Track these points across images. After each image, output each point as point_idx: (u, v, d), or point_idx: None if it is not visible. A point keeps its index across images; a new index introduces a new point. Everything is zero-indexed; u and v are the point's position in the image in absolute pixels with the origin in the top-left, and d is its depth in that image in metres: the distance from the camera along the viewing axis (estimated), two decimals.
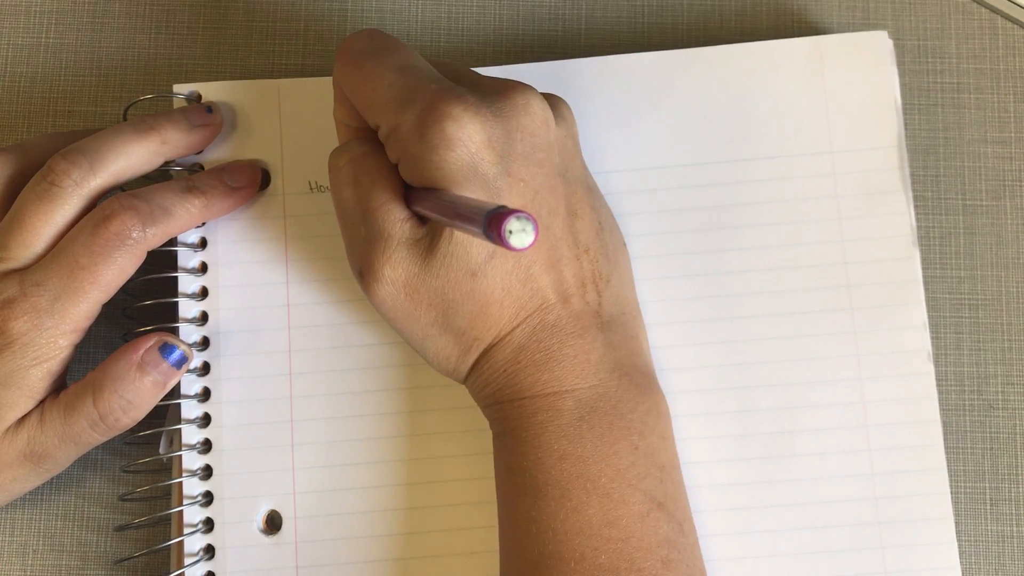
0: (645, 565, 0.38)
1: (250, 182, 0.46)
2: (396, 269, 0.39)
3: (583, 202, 0.41)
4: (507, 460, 0.40)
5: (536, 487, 0.39)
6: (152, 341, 0.43)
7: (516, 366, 0.40)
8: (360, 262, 0.40)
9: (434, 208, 0.37)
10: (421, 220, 0.40)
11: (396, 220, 0.39)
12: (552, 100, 0.42)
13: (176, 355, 0.43)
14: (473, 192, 0.38)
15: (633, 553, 0.38)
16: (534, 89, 0.40)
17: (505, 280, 0.39)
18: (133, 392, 0.42)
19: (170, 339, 0.43)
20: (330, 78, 0.47)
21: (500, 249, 0.38)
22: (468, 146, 0.38)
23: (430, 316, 0.40)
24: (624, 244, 0.44)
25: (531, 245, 0.30)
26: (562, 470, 0.39)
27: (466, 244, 0.38)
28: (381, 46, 0.41)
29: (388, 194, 0.40)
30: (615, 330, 0.41)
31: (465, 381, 0.42)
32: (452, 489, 0.45)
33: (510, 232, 0.30)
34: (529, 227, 0.30)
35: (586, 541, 0.38)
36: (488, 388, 0.41)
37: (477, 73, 0.42)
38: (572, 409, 0.39)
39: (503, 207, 0.31)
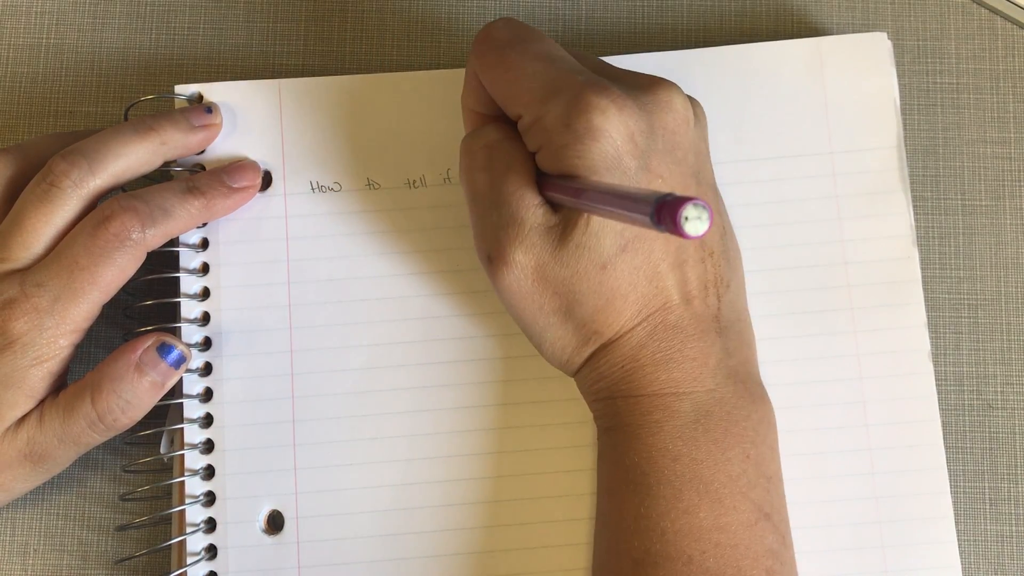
0: (751, 574, 0.38)
1: (251, 182, 0.46)
2: (527, 255, 0.39)
3: (711, 205, 0.41)
4: (617, 455, 0.40)
5: (647, 485, 0.39)
6: (150, 341, 0.43)
7: (635, 363, 0.40)
8: (490, 247, 0.40)
9: (578, 194, 0.37)
10: (554, 208, 0.40)
11: (530, 206, 0.39)
12: (691, 101, 0.41)
13: (174, 355, 0.43)
14: None
15: (740, 560, 0.38)
16: (678, 87, 0.40)
17: (633, 276, 0.39)
18: (131, 392, 0.42)
19: (168, 339, 0.43)
20: (331, 78, 0.47)
21: (632, 244, 0.39)
22: (614, 138, 0.38)
23: (554, 305, 0.40)
24: (740, 251, 0.44)
25: (705, 233, 0.30)
26: (675, 471, 0.39)
27: (599, 235, 0.38)
28: (522, 35, 0.41)
29: (523, 179, 0.40)
30: (731, 336, 0.41)
31: (576, 373, 0.42)
32: (452, 489, 0.45)
33: (686, 219, 0.30)
34: (705, 215, 0.30)
35: (694, 544, 0.38)
36: (602, 382, 0.41)
37: (615, 66, 0.42)
38: (688, 411, 0.39)
39: (671, 194, 0.30)
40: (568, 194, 0.38)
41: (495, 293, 0.41)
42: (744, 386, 0.41)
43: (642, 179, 0.38)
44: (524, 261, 0.39)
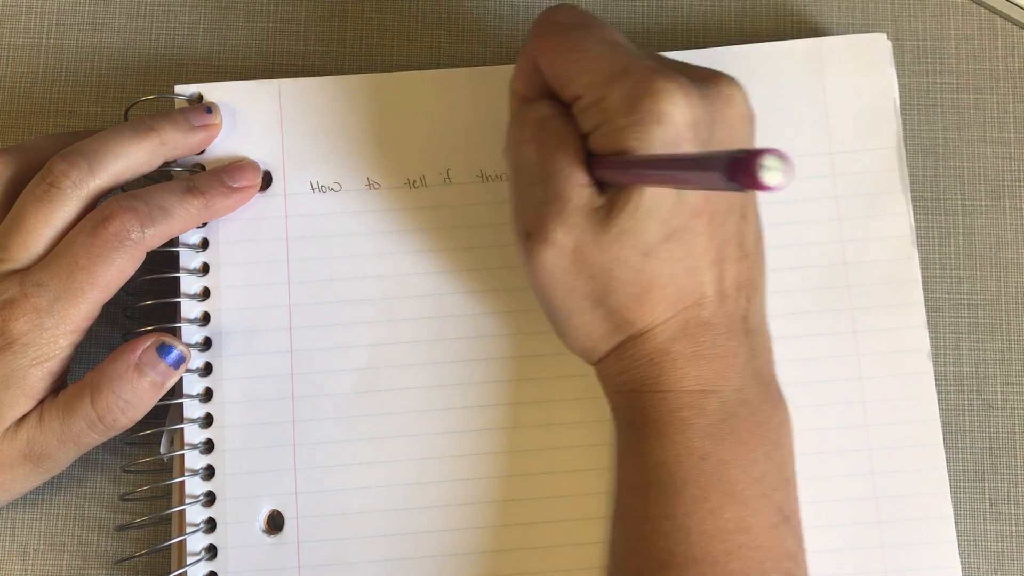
0: None
1: (251, 182, 0.46)
2: (568, 234, 0.38)
3: (752, 206, 0.41)
4: (641, 453, 0.40)
5: (673, 484, 0.39)
6: (150, 341, 0.43)
7: (664, 357, 0.39)
8: (530, 223, 0.39)
9: (635, 166, 0.36)
10: (600, 190, 0.39)
11: (576, 184, 0.39)
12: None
13: (174, 355, 0.43)
14: None
15: (763, 563, 0.38)
16: (740, 83, 0.40)
17: (673, 267, 0.38)
18: (131, 392, 0.42)
19: (168, 339, 0.43)
20: (331, 78, 0.47)
21: (676, 234, 0.38)
22: (677, 124, 0.37)
23: (587, 288, 0.39)
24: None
25: (784, 186, 0.28)
26: (703, 470, 0.39)
27: (645, 221, 0.38)
28: (585, 20, 0.41)
29: (572, 157, 0.39)
30: (756, 339, 0.41)
31: (599, 362, 0.41)
32: (453, 489, 0.45)
33: (765, 167, 0.27)
34: (783, 166, 0.27)
35: (719, 545, 0.38)
36: (627, 374, 0.40)
37: (673, 59, 0.42)
38: (716, 410, 0.39)
39: (744, 149, 0.28)
40: (624, 168, 0.37)
41: (524, 269, 0.40)
42: (767, 388, 0.40)
43: None
44: (564, 240, 0.38)
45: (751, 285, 0.40)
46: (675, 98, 0.37)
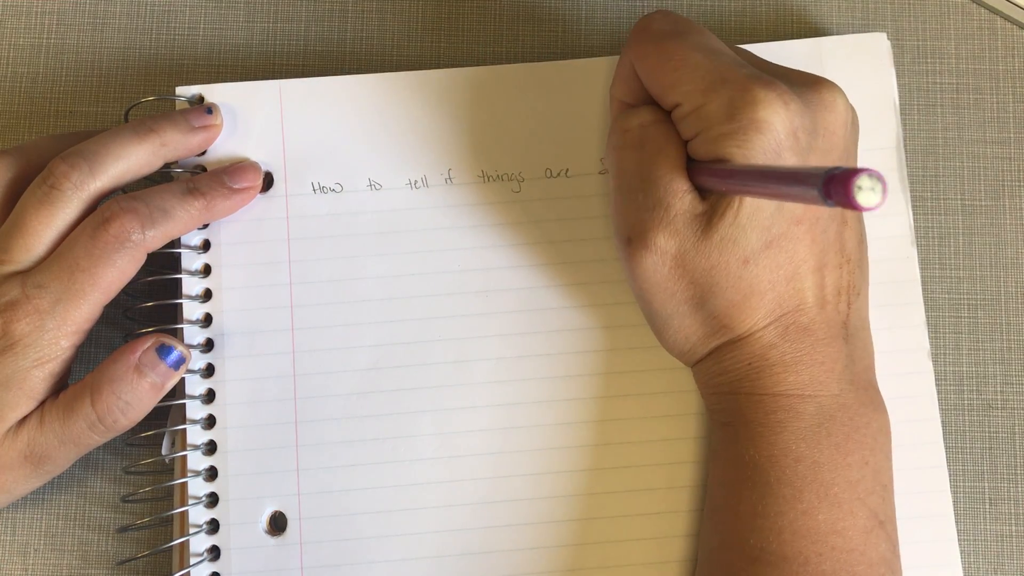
0: None
1: (252, 183, 0.46)
2: (670, 240, 0.39)
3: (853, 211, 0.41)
4: (735, 451, 0.40)
5: (767, 483, 0.39)
6: (149, 342, 0.43)
7: (763, 362, 0.40)
8: (632, 228, 0.40)
9: (735, 176, 0.36)
10: (702, 196, 0.39)
11: (679, 191, 0.39)
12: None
13: (174, 356, 0.43)
14: None
15: (855, 566, 0.38)
16: (841, 88, 0.40)
17: (773, 274, 0.39)
18: (131, 393, 0.42)
19: (168, 340, 0.43)
20: (332, 78, 0.47)
21: (777, 241, 0.38)
22: (778, 132, 0.37)
23: (687, 293, 0.40)
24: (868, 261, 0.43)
25: (878, 207, 0.29)
26: (797, 472, 0.39)
27: (746, 229, 0.38)
28: (683, 27, 0.41)
29: (674, 163, 0.39)
30: (856, 344, 0.41)
31: (696, 364, 0.42)
32: (453, 490, 0.45)
33: (859, 188, 0.28)
34: (879, 187, 0.28)
35: (811, 546, 0.38)
36: (724, 377, 0.41)
37: (773, 63, 0.42)
38: (812, 414, 0.39)
39: (840, 167, 0.29)
40: (723, 177, 0.37)
41: (627, 275, 0.41)
42: (866, 394, 0.41)
43: None
44: (666, 246, 0.39)
45: (851, 290, 0.41)
46: (775, 106, 0.37)
